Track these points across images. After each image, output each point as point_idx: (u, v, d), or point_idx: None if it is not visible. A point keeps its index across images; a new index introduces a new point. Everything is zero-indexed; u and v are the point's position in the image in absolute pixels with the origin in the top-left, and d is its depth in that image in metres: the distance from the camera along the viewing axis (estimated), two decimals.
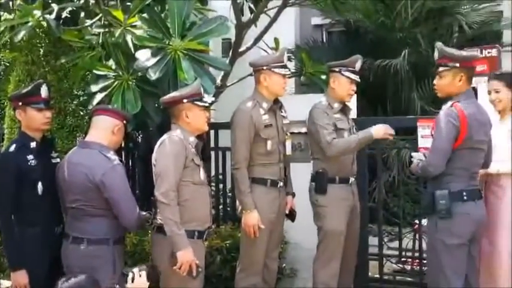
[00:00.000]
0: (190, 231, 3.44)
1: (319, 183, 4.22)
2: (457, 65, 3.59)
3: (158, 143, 3.50)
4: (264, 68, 4.07)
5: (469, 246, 3.58)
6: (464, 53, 3.76)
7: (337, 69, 4.25)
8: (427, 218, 3.72)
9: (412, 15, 7.41)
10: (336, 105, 4.26)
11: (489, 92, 4.02)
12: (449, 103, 3.55)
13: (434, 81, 3.74)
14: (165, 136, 3.50)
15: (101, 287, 2.66)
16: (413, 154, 3.82)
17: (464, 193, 3.50)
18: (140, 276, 2.56)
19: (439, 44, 3.75)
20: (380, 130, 4.12)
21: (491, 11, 7.99)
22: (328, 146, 4.09)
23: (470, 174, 3.56)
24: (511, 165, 3.78)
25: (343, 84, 4.24)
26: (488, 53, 5.28)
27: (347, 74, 4.23)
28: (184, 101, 3.47)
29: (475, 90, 5.96)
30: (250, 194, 3.98)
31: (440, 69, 3.65)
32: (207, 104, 3.56)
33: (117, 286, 2.54)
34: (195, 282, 3.41)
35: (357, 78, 4.26)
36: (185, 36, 3.97)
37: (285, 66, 4.12)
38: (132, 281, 2.53)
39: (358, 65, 4.28)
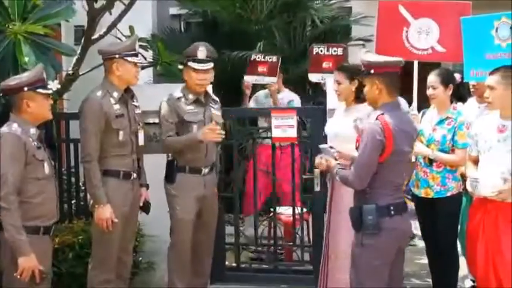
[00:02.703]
0: (36, 227, 3.31)
1: (168, 171, 4.25)
2: (372, 71, 3.42)
3: None
4: (117, 56, 3.94)
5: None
6: (380, 58, 3.54)
7: (183, 62, 4.24)
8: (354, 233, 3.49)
9: (267, 8, 7.55)
10: (191, 97, 4.23)
11: (334, 82, 4.20)
12: (374, 115, 3.40)
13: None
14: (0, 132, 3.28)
15: None
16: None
17: (392, 207, 3.38)
18: None
19: (363, 50, 3.66)
20: (207, 134, 4.10)
21: (342, 6, 8.38)
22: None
23: (396, 187, 3.46)
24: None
25: (190, 74, 4.21)
26: (334, 51, 5.55)
27: (191, 64, 4.19)
28: (25, 89, 3.26)
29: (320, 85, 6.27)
30: (102, 188, 3.86)
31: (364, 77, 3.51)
32: (49, 92, 3.36)
33: None
34: (39, 284, 3.28)
35: (201, 67, 4.18)
36: (27, 19, 3.73)
37: (137, 55, 4.02)
38: None
39: (200, 53, 4.20)
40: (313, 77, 5.63)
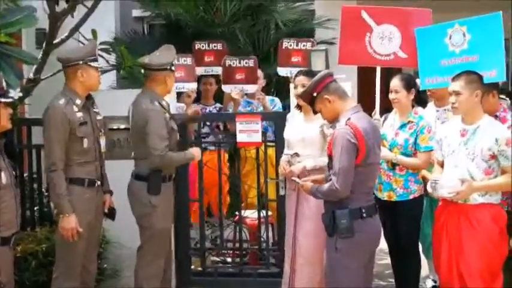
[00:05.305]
0: None
1: (154, 183, 4.06)
2: (315, 94, 3.51)
3: None
4: (81, 62, 3.89)
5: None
6: (311, 82, 3.60)
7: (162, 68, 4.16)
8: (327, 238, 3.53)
9: (231, 11, 7.55)
10: (164, 103, 4.16)
11: (295, 86, 4.23)
12: (343, 121, 3.43)
13: None
14: None
15: None
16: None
17: (364, 210, 3.43)
18: None
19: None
20: (199, 152, 4.30)
21: (305, 9, 8.45)
22: (158, 156, 3.96)
23: (367, 190, 3.53)
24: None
25: (172, 80, 4.21)
26: (304, 45, 5.56)
27: (173, 69, 4.21)
28: None
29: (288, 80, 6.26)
30: (67, 197, 3.80)
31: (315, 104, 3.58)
32: (9, 101, 3.31)
33: None
34: None
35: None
36: None
37: (97, 59, 3.99)
38: None
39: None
40: (282, 71, 5.66)
